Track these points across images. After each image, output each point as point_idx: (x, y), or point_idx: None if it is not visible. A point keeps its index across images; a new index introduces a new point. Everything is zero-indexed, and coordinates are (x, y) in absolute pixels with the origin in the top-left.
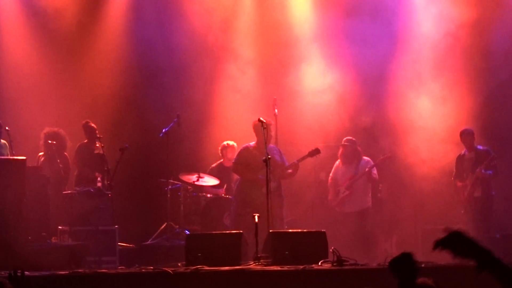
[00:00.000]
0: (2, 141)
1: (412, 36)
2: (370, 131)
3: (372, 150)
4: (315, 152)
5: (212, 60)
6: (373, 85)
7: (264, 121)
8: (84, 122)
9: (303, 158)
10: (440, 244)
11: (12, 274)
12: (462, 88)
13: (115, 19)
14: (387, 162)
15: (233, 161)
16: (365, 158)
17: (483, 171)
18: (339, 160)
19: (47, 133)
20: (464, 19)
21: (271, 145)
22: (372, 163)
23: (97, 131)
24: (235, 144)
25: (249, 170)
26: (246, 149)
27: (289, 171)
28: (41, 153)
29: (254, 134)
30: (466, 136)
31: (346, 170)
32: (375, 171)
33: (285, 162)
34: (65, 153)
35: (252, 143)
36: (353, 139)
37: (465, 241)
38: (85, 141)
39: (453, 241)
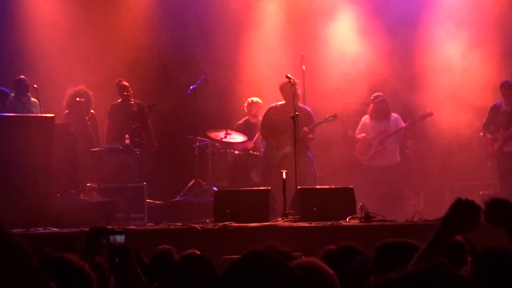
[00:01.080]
0: (33, 99)
1: None
2: (396, 88)
3: (398, 107)
4: (332, 117)
5: (239, 16)
6: (400, 42)
7: (292, 78)
8: (117, 81)
9: (319, 124)
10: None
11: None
12: (492, 45)
13: None
14: (426, 119)
15: (260, 123)
16: (394, 114)
17: None
18: (366, 116)
19: (74, 91)
20: None
21: (301, 105)
22: (399, 119)
23: (129, 89)
24: (259, 101)
25: (273, 136)
26: (273, 109)
27: (310, 136)
28: (66, 111)
29: (281, 95)
30: (507, 88)
31: (375, 126)
32: (406, 130)
33: (314, 122)
34: (92, 111)
35: (280, 103)
36: (383, 95)
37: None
38: (119, 100)
39: (495, 209)
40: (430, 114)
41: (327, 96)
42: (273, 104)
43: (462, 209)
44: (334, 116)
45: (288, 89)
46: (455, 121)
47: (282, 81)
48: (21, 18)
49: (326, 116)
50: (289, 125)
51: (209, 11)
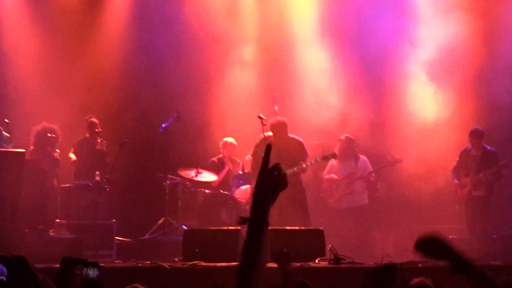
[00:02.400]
0: (6, 134)
1: (417, 35)
2: (368, 130)
3: (371, 150)
4: (331, 155)
5: (212, 56)
6: (372, 83)
7: (264, 118)
8: (87, 117)
9: (316, 162)
10: (417, 246)
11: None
12: (465, 90)
13: (116, 12)
14: (395, 165)
15: (252, 154)
16: (362, 157)
17: (488, 175)
18: None
19: (42, 128)
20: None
21: (292, 135)
22: (368, 162)
23: (98, 127)
24: (234, 142)
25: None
26: (264, 140)
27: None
28: (32, 148)
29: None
30: (474, 137)
31: (343, 167)
32: (373, 175)
33: (306, 154)
34: (57, 150)
35: (270, 133)
36: (351, 136)
37: (440, 243)
38: (87, 135)
39: (428, 243)
40: (400, 161)
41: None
42: (263, 135)
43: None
44: (333, 154)
45: (277, 129)
46: (425, 165)
47: (271, 121)
48: None
49: (326, 154)
50: (281, 159)
51: (183, 49)
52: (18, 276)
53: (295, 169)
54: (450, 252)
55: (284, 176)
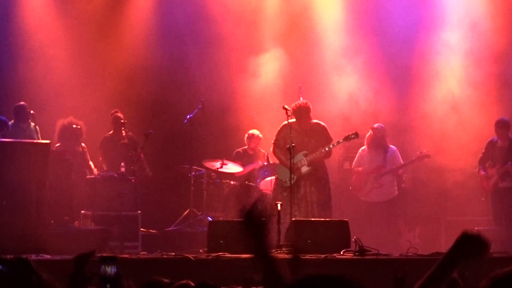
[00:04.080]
0: (32, 125)
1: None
2: (394, 123)
3: (398, 143)
4: (353, 135)
5: (238, 46)
6: (399, 79)
7: (289, 109)
8: (113, 111)
9: (339, 142)
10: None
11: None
12: (490, 79)
13: (142, 8)
14: (423, 160)
15: (273, 141)
16: (392, 147)
17: None
18: (364, 147)
19: (66, 122)
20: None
21: (315, 120)
22: (397, 153)
23: (121, 120)
24: (259, 134)
25: (284, 155)
26: (287, 126)
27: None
28: (57, 144)
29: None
30: (500, 128)
31: (373, 158)
32: (402, 170)
33: (330, 139)
34: (83, 145)
35: (294, 120)
36: (382, 125)
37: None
38: (110, 132)
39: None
40: (428, 156)
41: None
42: (286, 122)
43: (469, 242)
44: (356, 134)
45: (300, 112)
46: (452, 156)
47: (294, 105)
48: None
49: (347, 134)
50: (305, 144)
51: (207, 41)
52: (20, 277)
53: (318, 153)
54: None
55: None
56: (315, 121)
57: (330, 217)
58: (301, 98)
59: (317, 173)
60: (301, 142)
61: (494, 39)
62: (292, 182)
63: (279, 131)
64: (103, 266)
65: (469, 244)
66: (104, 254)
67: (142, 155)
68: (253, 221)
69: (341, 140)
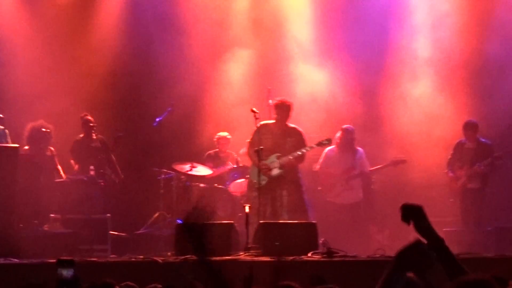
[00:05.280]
0: (1, 127)
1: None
2: (365, 125)
3: (366, 144)
4: (326, 141)
5: (206, 49)
6: (367, 79)
7: (257, 111)
8: (82, 114)
9: (312, 148)
10: (404, 213)
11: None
12: (459, 83)
13: (112, 10)
14: (398, 165)
15: (249, 142)
16: (359, 149)
17: (482, 167)
18: (331, 147)
19: (36, 126)
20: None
21: (292, 124)
22: (364, 155)
23: (91, 123)
24: (228, 136)
25: (257, 156)
26: (264, 127)
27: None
28: (26, 147)
29: (274, 113)
30: (469, 129)
31: (342, 160)
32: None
33: (304, 145)
34: (51, 148)
35: (272, 121)
36: (351, 127)
37: (423, 220)
38: (81, 135)
39: (412, 211)
40: (404, 161)
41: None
42: (264, 122)
43: (414, 248)
44: (329, 140)
45: (282, 108)
46: (420, 157)
47: (277, 100)
48: None
49: (320, 140)
50: (280, 146)
51: (176, 44)
52: None
53: (290, 157)
54: (429, 228)
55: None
56: (292, 125)
57: (307, 220)
58: (270, 101)
59: (289, 176)
60: (276, 144)
61: (462, 42)
62: (264, 183)
63: (255, 132)
64: (59, 269)
65: (412, 256)
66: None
67: (113, 158)
68: (191, 224)
69: (314, 145)
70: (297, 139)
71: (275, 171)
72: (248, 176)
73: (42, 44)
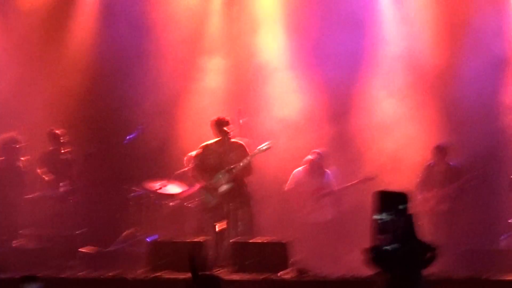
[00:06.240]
0: None
1: (380, 51)
2: (336, 145)
3: (339, 164)
4: (266, 146)
5: (177, 67)
6: (341, 99)
7: (226, 119)
8: (48, 130)
9: (254, 155)
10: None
11: None
12: (429, 107)
13: (83, 23)
14: (367, 182)
15: (193, 163)
16: (328, 171)
17: (452, 190)
18: (299, 168)
19: (6, 138)
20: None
21: (233, 139)
22: (332, 176)
23: (61, 138)
24: None
25: (204, 175)
26: (206, 148)
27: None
28: None
29: (213, 133)
30: (439, 152)
31: (310, 182)
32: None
33: (248, 154)
34: (22, 158)
35: (213, 140)
36: (321, 152)
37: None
38: (50, 148)
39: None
40: (373, 178)
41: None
42: (205, 143)
43: None
44: (268, 144)
45: (218, 125)
46: (391, 179)
47: (213, 119)
48: None
49: (259, 146)
50: (224, 163)
51: (149, 61)
52: None
53: (234, 169)
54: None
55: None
56: (234, 139)
57: (253, 235)
58: (241, 121)
59: (238, 190)
60: (220, 162)
61: (436, 55)
62: (214, 202)
63: (198, 154)
64: (23, 286)
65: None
66: (42, 275)
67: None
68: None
69: (255, 151)
70: (239, 152)
71: (223, 188)
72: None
73: (17, 57)
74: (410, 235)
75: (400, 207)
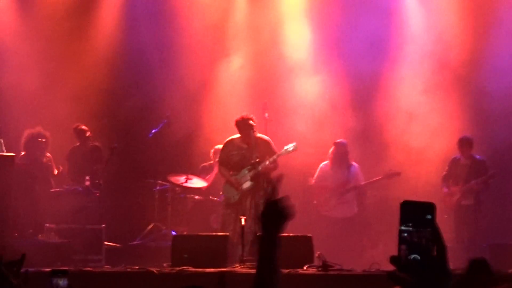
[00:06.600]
0: None
1: (406, 42)
2: (360, 138)
3: (363, 157)
4: (292, 147)
5: (202, 61)
6: (365, 92)
7: (250, 116)
8: (74, 126)
9: (279, 155)
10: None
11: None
12: (455, 99)
13: (107, 17)
14: (392, 178)
15: (218, 160)
16: (354, 164)
17: (477, 184)
18: (325, 162)
19: (33, 133)
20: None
21: (259, 134)
22: (359, 169)
23: (87, 133)
24: None
25: (228, 170)
26: (230, 143)
27: (271, 166)
28: (23, 153)
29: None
30: (464, 145)
31: (336, 174)
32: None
33: (273, 153)
34: (48, 154)
35: (237, 136)
36: (345, 141)
37: None
38: (77, 144)
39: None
40: (398, 174)
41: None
42: (229, 138)
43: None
44: (295, 146)
45: (243, 125)
46: (416, 172)
47: (238, 117)
48: None
49: (286, 146)
50: (248, 160)
51: (174, 58)
52: None
53: (258, 167)
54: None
55: (287, 208)
56: (259, 135)
57: None
58: (266, 115)
59: (262, 186)
60: (244, 158)
61: (463, 46)
62: (237, 198)
63: (223, 149)
64: (55, 280)
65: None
66: (67, 268)
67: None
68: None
69: (282, 152)
70: (264, 148)
71: (246, 185)
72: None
73: (39, 51)
74: (432, 250)
75: (427, 217)
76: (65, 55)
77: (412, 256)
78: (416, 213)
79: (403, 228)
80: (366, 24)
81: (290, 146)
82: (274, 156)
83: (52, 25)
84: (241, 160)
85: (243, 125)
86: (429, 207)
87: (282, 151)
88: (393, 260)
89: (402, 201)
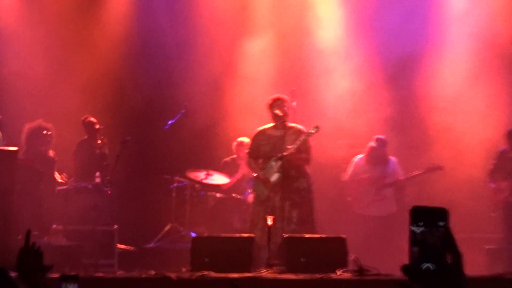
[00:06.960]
0: None
1: (448, 27)
2: (397, 128)
3: (401, 149)
4: (314, 130)
5: (223, 48)
6: (403, 77)
7: (281, 97)
8: (83, 118)
9: (301, 140)
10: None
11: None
12: (502, 88)
13: (118, 7)
14: (435, 172)
15: (248, 152)
16: (392, 158)
17: None
18: (360, 156)
19: (35, 126)
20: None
21: (292, 123)
22: (398, 164)
23: (96, 125)
24: (249, 142)
25: (257, 163)
26: (261, 133)
27: (303, 156)
28: (24, 148)
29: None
30: None
31: (372, 170)
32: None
33: (308, 146)
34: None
35: (269, 125)
36: (383, 137)
37: None
38: (86, 137)
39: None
40: (441, 168)
41: (318, 136)
42: (261, 128)
43: None
44: (316, 128)
45: (277, 106)
46: (458, 166)
47: (269, 99)
48: None
49: (308, 130)
50: (279, 150)
51: (192, 43)
52: None
53: (285, 156)
54: None
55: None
56: (291, 124)
57: (312, 233)
58: (294, 103)
59: (295, 183)
60: (274, 148)
61: (508, 29)
62: (267, 194)
63: (253, 139)
64: (64, 285)
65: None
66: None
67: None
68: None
69: (304, 136)
70: (295, 138)
71: (274, 177)
72: (250, 191)
73: (44, 43)
74: (446, 253)
75: (440, 223)
76: (74, 40)
77: (425, 265)
78: (428, 219)
79: (413, 228)
80: (401, 6)
81: (312, 129)
82: (297, 142)
83: (60, 7)
84: (272, 150)
85: (271, 107)
86: (441, 213)
87: (303, 135)
88: (405, 269)
89: (412, 206)
